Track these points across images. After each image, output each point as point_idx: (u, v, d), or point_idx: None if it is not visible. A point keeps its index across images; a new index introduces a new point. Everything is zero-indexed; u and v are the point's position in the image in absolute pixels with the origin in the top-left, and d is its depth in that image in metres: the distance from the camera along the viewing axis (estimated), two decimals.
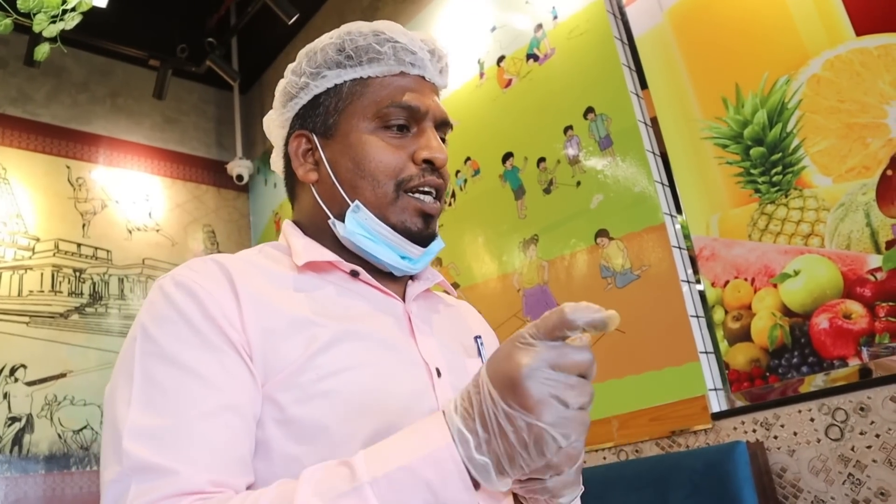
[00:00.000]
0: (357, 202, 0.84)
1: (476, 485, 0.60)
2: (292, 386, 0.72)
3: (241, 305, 0.74)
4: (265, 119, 0.98)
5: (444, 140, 0.91)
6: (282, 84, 0.93)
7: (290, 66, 0.92)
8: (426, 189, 0.86)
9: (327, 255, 0.85)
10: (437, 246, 0.90)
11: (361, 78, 0.88)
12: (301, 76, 0.90)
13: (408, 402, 0.76)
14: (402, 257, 0.86)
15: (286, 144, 0.94)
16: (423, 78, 0.90)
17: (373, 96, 0.86)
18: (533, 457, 0.57)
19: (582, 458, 0.69)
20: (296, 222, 0.93)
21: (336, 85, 0.88)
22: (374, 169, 0.84)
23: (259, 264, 0.83)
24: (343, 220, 0.85)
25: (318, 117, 0.89)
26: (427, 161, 0.85)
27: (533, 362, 0.57)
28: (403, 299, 0.89)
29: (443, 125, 0.90)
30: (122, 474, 0.64)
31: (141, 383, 0.69)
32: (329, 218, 0.87)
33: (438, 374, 0.81)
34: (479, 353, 0.93)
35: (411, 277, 0.93)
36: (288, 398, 0.71)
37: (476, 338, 0.95)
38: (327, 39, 0.89)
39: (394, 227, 0.84)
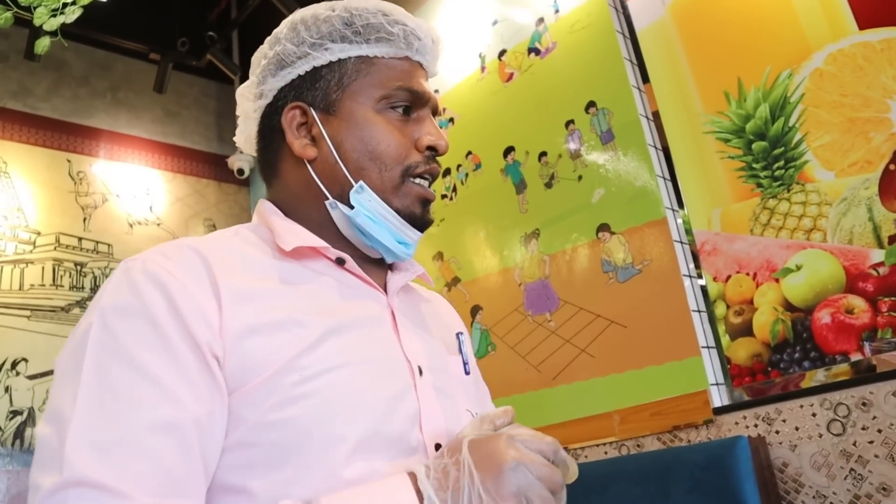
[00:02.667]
0: (361, 183, 0.82)
1: None
2: (274, 388, 0.68)
3: (221, 302, 0.70)
4: (239, 88, 0.93)
5: None
6: (267, 52, 0.88)
7: (281, 34, 0.87)
8: (426, 176, 0.86)
9: (314, 240, 0.82)
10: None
11: (367, 56, 0.86)
12: (300, 45, 0.85)
13: (391, 404, 0.74)
14: (399, 242, 0.85)
15: (271, 115, 0.89)
16: (421, 64, 0.90)
17: (380, 76, 0.85)
18: None
19: None
20: (274, 202, 0.89)
21: (340, 59, 0.85)
22: (384, 152, 0.83)
23: (239, 250, 0.79)
24: (341, 201, 0.83)
25: (317, 91, 0.86)
26: (430, 148, 0.86)
27: (520, 461, 0.62)
28: (385, 291, 0.88)
29: (435, 113, 0.91)
30: (61, 485, 0.58)
31: (92, 380, 0.64)
32: (327, 198, 0.84)
33: (420, 372, 0.80)
34: (460, 350, 0.92)
35: (390, 268, 0.92)
36: (268, 402, 0.68)
37: (458, 334, 0.94)
38: (328, 11, 0.86)
39: (397, 211, 0.83)
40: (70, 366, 0.67)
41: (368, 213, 0.82)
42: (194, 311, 0.68)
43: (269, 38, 0.89)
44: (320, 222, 0.85)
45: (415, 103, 0.87)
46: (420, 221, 0.86)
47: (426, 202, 0.86)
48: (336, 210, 0.84)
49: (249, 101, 0.92)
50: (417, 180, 0.85)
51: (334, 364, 0.72)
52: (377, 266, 0.89)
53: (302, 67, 0.86)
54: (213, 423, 0.66)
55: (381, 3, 0.88)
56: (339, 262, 0.83)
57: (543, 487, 0.63)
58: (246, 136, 0.95)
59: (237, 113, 0.95)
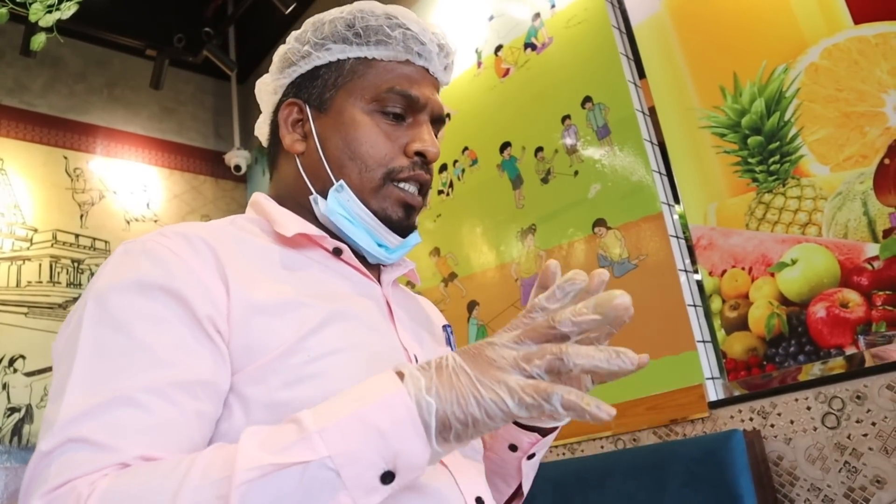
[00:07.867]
0: (341, 182, 0.83)
1: None
2: (282, 368, 0.69)
3: (228, 283, 0.71)
4: (258, 82, 0.95)
5: (436, 136, 0.90)
6: (282, 50, 0.91)
7: (295, 34, 0.90)
8: (412, 182, 0.85)
9: (313, 229, 0.83)
10: (414, 240, 0.89)
11: (366, 58, 0.86)
12: (304, 44, 0.88)
13: None
14: (379, 245, 0.85)
15: (276, 111, 0.92)
16: (427, 71, 0.89)
17: (374, 78, 0.85)
18: (486, 405, 0.55)
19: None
20: (272, 196, 0.91)
21: (339, 60, 0.87)
22: (365, 153, 0.83)
23: (238, 237, 0.80)
24: (324, 197, 0.84)
25: (314, 89, 0.87)
26: (419, 154, 0.85)
27: (498, 342, 0.58)
28: (378, 283, 0.88)
29: (438, 121, 0.90)
30: (55, 445, 0.60)
31: (87, 353, 0.65)
32: (311, 193, 0.85)
33: (416, 361, 0.81)
34: (449, 342, 0.93)
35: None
36: (277, 381, 0.68)
37: (445, 327, 0.95)
38: (337, 13, 0.87)
39: (374, 213, 0.83)
40: (67, 345, 0.68)
41: (346, 212, 0.83)
42: (194, 285, 0.69)
43: (288, 37, 0.91)
44: (312, 216, 0.86)
45: (409, 109, 0.86)
46: (399, 226, 0.85)
47: (409, 207, 0.85)
48: (318, 206, 0.84)
49: (268, 96, 0.94)
50: (401, 185, 0.84)
51: (338, 347, 0.72)
52: (369, 260, 0.89)
53: (304, 66, 0.88)
54: (214, 389, 0.67)
55: (391, 7, 0.88)
56: (336, 252, 0.84)
57: (531, 365, 0.57)
58: (262, 127, 0.97)
59: (261, 107, 0.97)
